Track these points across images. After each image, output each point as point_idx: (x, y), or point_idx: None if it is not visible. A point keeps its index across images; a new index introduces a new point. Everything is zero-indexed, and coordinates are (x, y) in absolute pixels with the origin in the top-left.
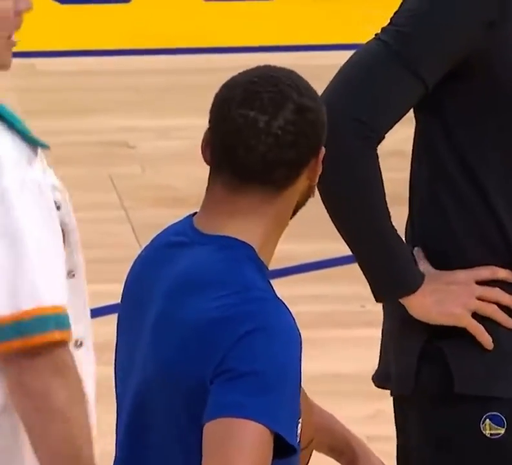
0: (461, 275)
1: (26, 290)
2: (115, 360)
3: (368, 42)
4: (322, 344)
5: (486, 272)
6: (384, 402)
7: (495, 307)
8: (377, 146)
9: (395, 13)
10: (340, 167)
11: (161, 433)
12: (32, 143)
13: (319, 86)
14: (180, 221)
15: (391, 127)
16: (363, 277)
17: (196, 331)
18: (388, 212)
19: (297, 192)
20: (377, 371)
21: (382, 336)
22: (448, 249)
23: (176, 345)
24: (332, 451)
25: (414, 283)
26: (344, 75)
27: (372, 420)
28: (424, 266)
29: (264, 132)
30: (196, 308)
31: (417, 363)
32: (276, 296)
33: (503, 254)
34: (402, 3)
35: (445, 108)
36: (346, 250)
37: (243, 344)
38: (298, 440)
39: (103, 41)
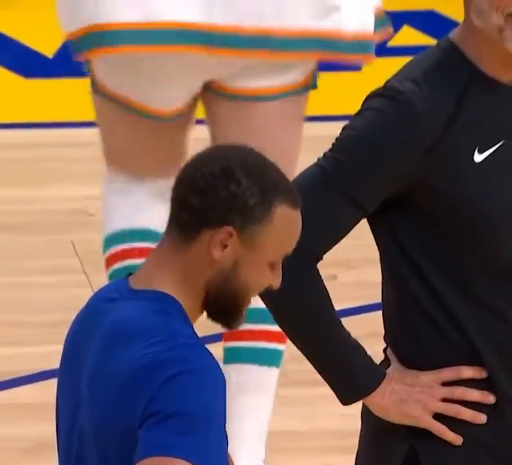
0: (426, 377)
1: None
2: (57, 423)
3: (309, 167)
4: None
5: (450, 373)
6: (333, 457)
7: (458, 407)
8: (313, 264)
9: (337, 138)
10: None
11: None
12: None
13: None
14: (117, 280)
15: (328, 247)
16: None
17: (126, 380)
18: (335, 319)
19: (202, 253)
20: None
21: (359, 443)
22: (417, 357)
23: (108, 397)
24: None
25: (369, 384)
26: None
27: None
28: (395, 365)
29: (191, 174)
30: (126, 358)
31: None
32: (200, 343)
33: (471, 358)
34: (346, 126)
35: (400, 233)
36: None
37: (169, 386)
38: None
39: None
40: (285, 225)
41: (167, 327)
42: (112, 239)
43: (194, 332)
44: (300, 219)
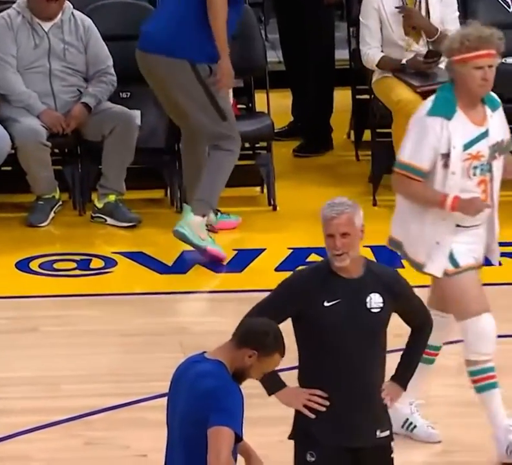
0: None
1: None
2: (167, 421)
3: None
4: None
5: (315, 391)
6: None
7: (305, 401)
8: None
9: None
10: None
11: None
12: None
13: None
14: (199, 353)
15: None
16: None
17: (204, 394)
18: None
19: (241, 355)
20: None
21: None
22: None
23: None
24: (242, 453)
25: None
26: None
27: None
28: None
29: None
30: (203, 385)
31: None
32: (232, 381)
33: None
34: None
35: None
36: None
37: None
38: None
39: None
40: (274, 361)
41: (220, 372)
42: None
43: (230, 377)
44: (280, 359)
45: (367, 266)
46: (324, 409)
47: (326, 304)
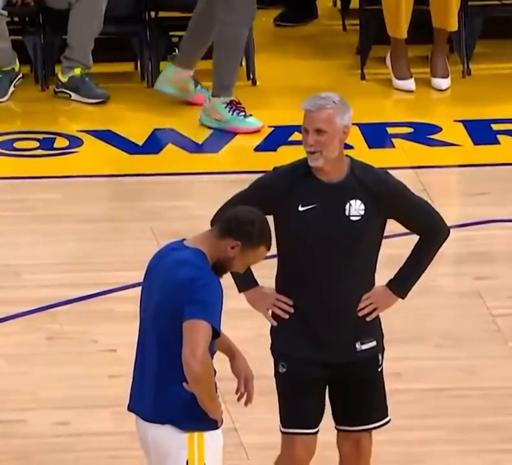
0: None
1: None
2: (139, 312)
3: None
4: None
5: (282, 297)
6: None
7: (270, 306)
8: None
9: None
10: None
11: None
12: None
13: None
14: (177, 240)
15: None
16: None
17: (180, 284)
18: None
19: (224, 245)
20: None
21: None
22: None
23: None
24: (225, 350)
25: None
26: None
27: None
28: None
29: (238, 215)
30: (180, 273)
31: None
32: (211, 271)
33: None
34: None
35: None
36: None
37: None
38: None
39: None
40: (259, 253)
41: (199, 262)
42: None
43: (209, 268)
44: (266, 252)
45: (351, 169)
46: (287, 316)
47: (300, 209)
